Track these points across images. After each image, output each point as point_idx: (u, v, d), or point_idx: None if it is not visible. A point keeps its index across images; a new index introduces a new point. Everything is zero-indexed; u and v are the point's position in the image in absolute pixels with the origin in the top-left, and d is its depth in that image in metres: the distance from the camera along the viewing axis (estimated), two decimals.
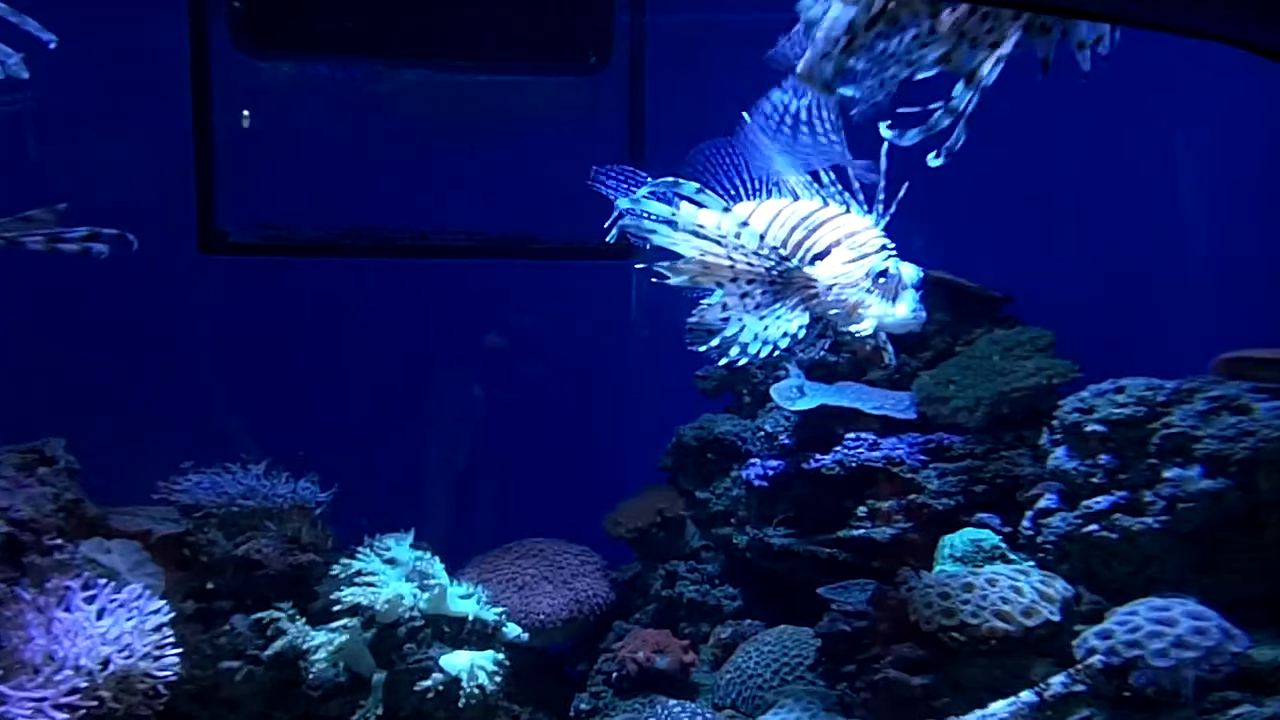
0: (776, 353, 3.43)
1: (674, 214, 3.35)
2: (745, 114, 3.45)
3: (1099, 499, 3.92)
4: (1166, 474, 3.80)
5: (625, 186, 3.62)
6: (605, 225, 3.49)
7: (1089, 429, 3.95)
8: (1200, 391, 3.92)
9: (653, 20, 4.68)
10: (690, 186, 3.25)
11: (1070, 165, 5.48)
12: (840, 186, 3.51)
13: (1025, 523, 4.16)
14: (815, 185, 3.54)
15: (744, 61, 3.55)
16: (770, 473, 4.61)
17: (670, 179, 3.26)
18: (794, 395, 4.63)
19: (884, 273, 3.34)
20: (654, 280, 3.37)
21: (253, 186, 4.99)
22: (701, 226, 3.33)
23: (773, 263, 3.38)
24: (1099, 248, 5.48)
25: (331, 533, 4.47)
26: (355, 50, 4.77)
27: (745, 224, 3.32)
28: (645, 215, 3.33)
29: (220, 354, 5.60)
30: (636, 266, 3.42)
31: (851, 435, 4.55)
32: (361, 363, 5.66)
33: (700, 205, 3.32)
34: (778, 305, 3.44)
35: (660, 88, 4.74)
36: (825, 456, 4.52)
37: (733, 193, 3.60)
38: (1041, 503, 4.11)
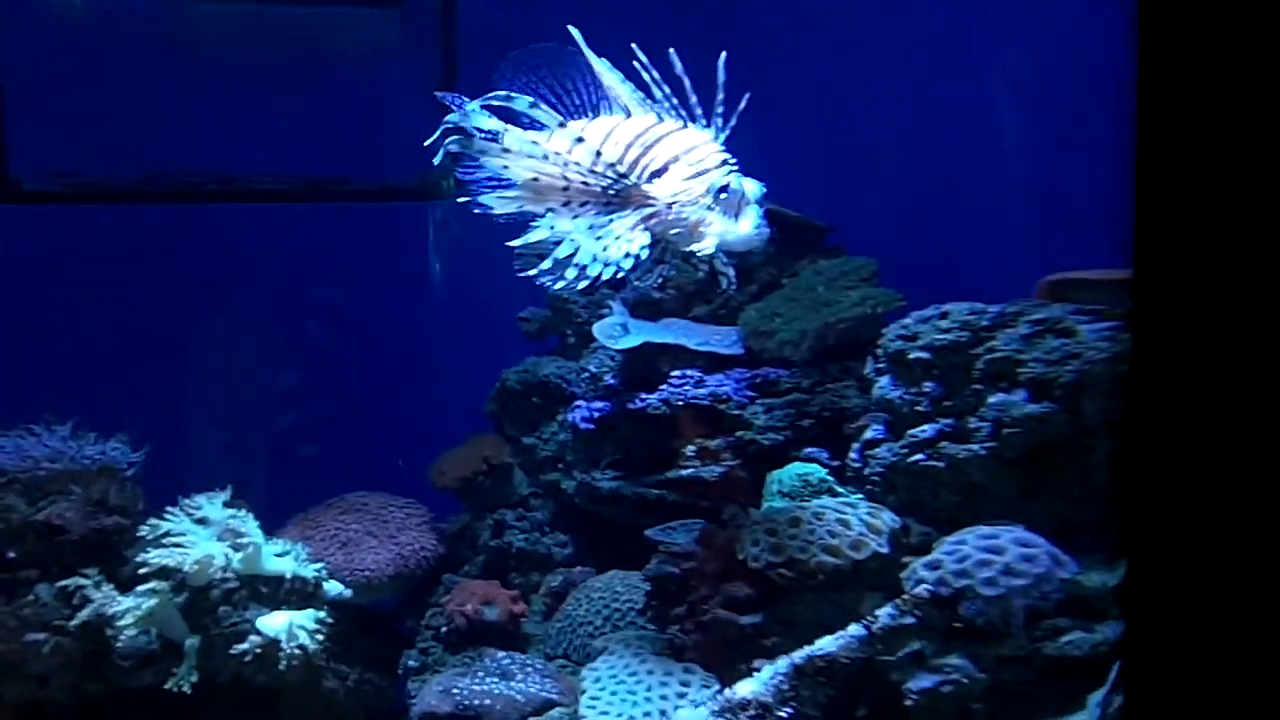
0: (620, 274, 3.23)
1: (504, 130, 3.12)
2: (573, 28, 3.24)
3: (924, 428, 3.76)
4: (991, 400, 3.65)
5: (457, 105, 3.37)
6: (427, 144, 3.18)
7: (912, 356, 3.79)
8: (1024, 315, 3.76)
9: None
10: (523, 101, 3.06)
11: (892, 92, 5.33)
12: (676, 101, 3.31)
13: (853, 455, 4.01)
14: (649, 101, 3.33)
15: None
16: (595, 415, 4.39)
17: (502, 92, 3.07)
18: (617, 333, 4.41)
19: (725, 188, 3.17)
20: (477, 211, 3.15)
21: (46, 130, 4.64)
22: (534, 145, 3.12)
23: (609, 180, 3.19)
24: (921, 175, 5.33)
25: (142, 494, 4.16)
26: None
27: (580, 140, 3.13)
28: (474, 133, 3.10)
29: (16, 312, 5.19)
30: (457, 201, 3.23)
31: (677, 373, 4.34)
32: (170, 316, 5.31)
33: (533, 121, 3.14)
34: (615, 224, 3.24)
35: (476, 19, 4.51)
36: (651, 396, 4.31)
37: (559, 109, 3.40)
38: (868, 434, 3.95)
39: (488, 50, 4.81)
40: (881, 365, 3.96)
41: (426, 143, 3.13)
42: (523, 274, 3.29)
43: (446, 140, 3.13)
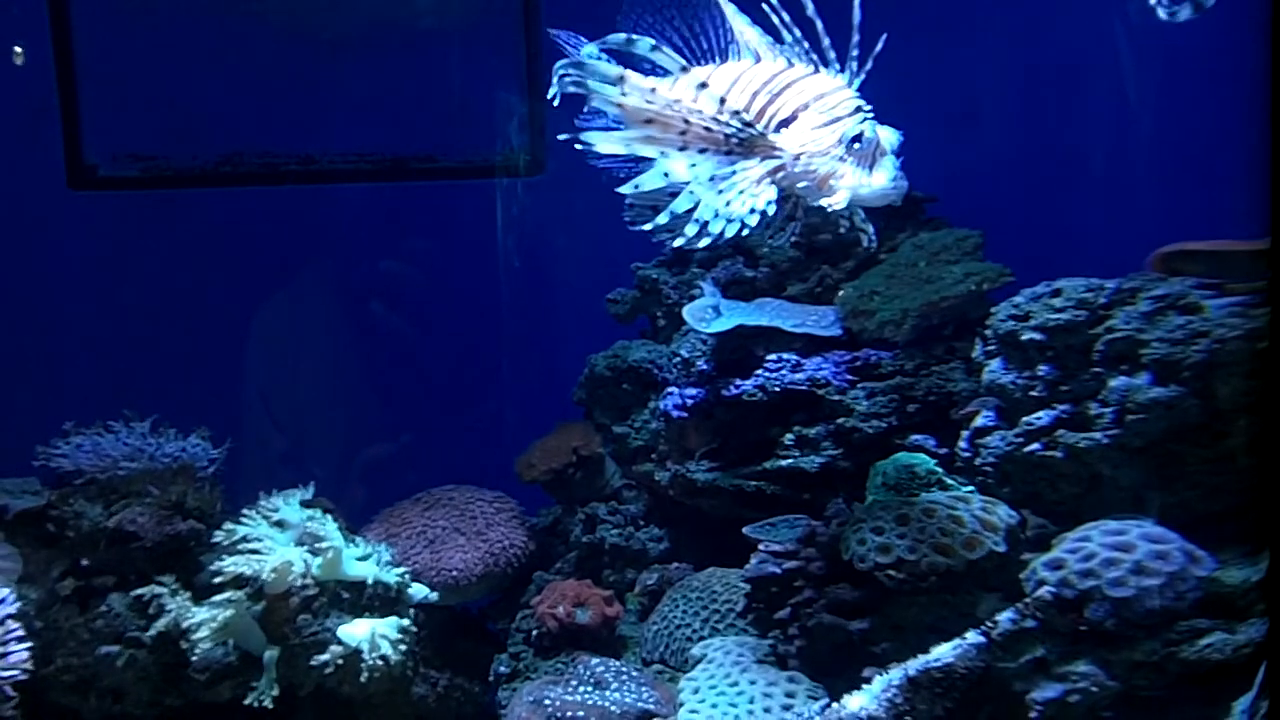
0: (745, 231, 2.91)
1: (622, 74, 2.82)
2: None
3: (1040, 414, 3.42)
4: (1113, 383, 3.30)
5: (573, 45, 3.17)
6: (551, 93, 2.89)
7: (1025, 337, 3.44)
8: (1143, 291, 3.39)
9: None
10: (644, 43, 2.77)
11: (998, 48, 4.95)
12: (807, 46, 2.99)
13: (962, 444, 3.66)
14: (779, 45, 3.02)
15: None
16: (689, 402, 4.08)
17: (623, 36, 2.78)
18: (709, 316, 4.10)
19: (858, 137, 2.87)
20: (578, 147, 2.85)
21: (122, 112, 4.43)
22: (653, 91, 2.83)
23: (733, 129, 2.89)
24: (1027, 139, 4.94)
25: (221, 494, 3.92)
26: None
27: (704, 86, 2.84)
28: (589, 77, 2.81)
29: (94, 302, 4.96)
30: (560, 138, 2.89)
31: (773, 357, 4.02)
32: (248, 303, 5.06)
33: (653, 66, 2.85)
34: (738, 176, 2.94)
35: None
36: (746, 381, 3.99)
37: (684, 54, 3.10)
38: (978, 421, 3.61)
39: (572, 17, 4.61)
40: (991, 347, 3.61)
41: (551, 93, 2.85)
42: (636, 227, 3.01)
43: (563, 80, 2.83)
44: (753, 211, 2.92)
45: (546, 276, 5.11)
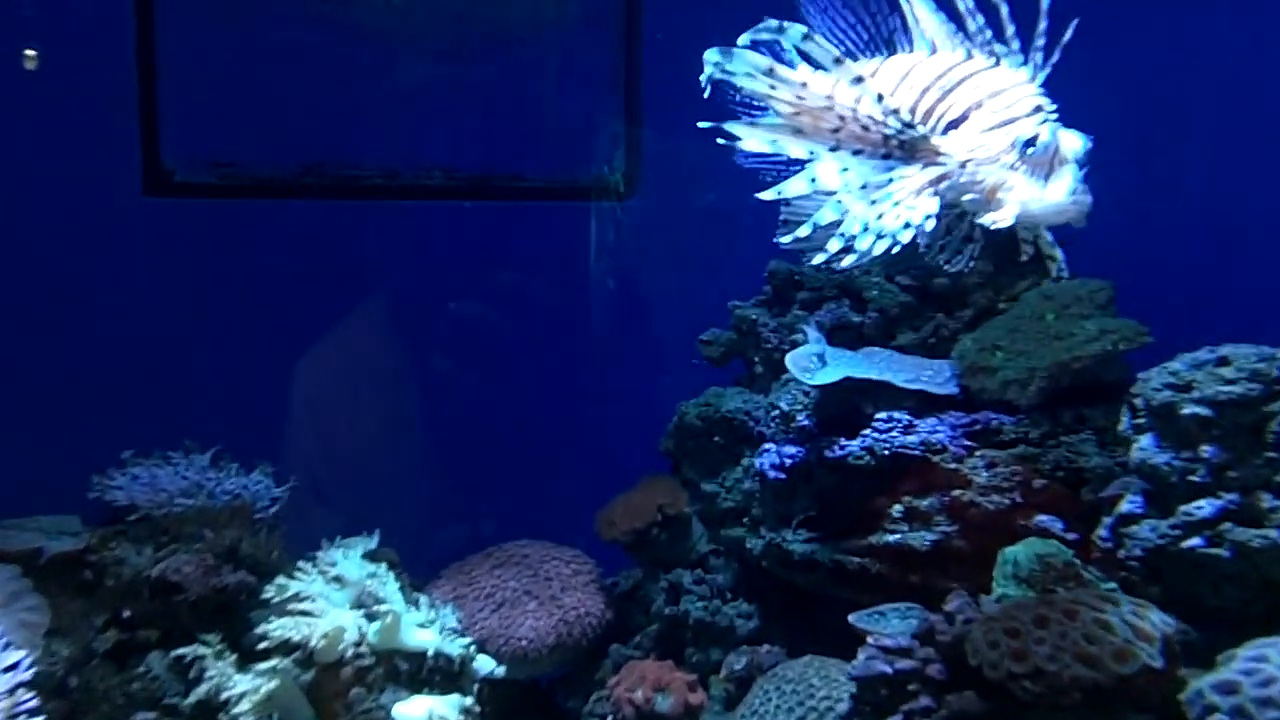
0: (897, 249, 2.45)
1: (771, 66, 2.38)
2: None
3: (1201, 503, 2.86)
4: None
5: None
6: (701, 82, 2.46)
7: (1187, 412, 2.88)
8: None
9: None
10: (796, 31, 2.33)
11: (1120, 83, 4.40)
12: (990, 34, 2.51)
13: (1102, 531, 3.11)
14: (960, 34, 2.56)
15: None
16: (788, 462, 3.56)
17: (774, 23, 2.34)
18: (813, 365, 3.58)
19: (1032, 141, 2.38)
20: (721, 141, 2.43)
21: (201, 116, 4.06)
22: (804, 86, 2.40)
23: (893, 129, 2.43)
24: (1164, 180, 4.37)
25: (281, 539, 3.46)
26: None
27: (860, 80, 2.38)
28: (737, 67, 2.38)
29: (165, 315, 4.52)
30: (700, 125, 2.44)
31: (883, 415, 3.50)
32: (324, 324, 4.61)
33: (806, 57, 2.45)
34: (895, 185, 2.48)
35: None
36: (852, 442, 3.48)
37: (848, 44, 2.70)
38: (1123, 506, 3.05)
39: (675, 31, 4.15)
40: (1141, 420, 3.05)
41: (703, 80, 2.41)
42: (785, 245, 2.55)
43: (712, 70, 2.39)
44: (908, 226, 2.44)
45: (637, 311, 4.62)
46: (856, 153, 2.47)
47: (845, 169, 2.46)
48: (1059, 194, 2.38)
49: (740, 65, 2.38)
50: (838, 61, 2.39)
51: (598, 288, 4.61)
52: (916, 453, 3.42)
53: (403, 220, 4.45)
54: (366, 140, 4.23)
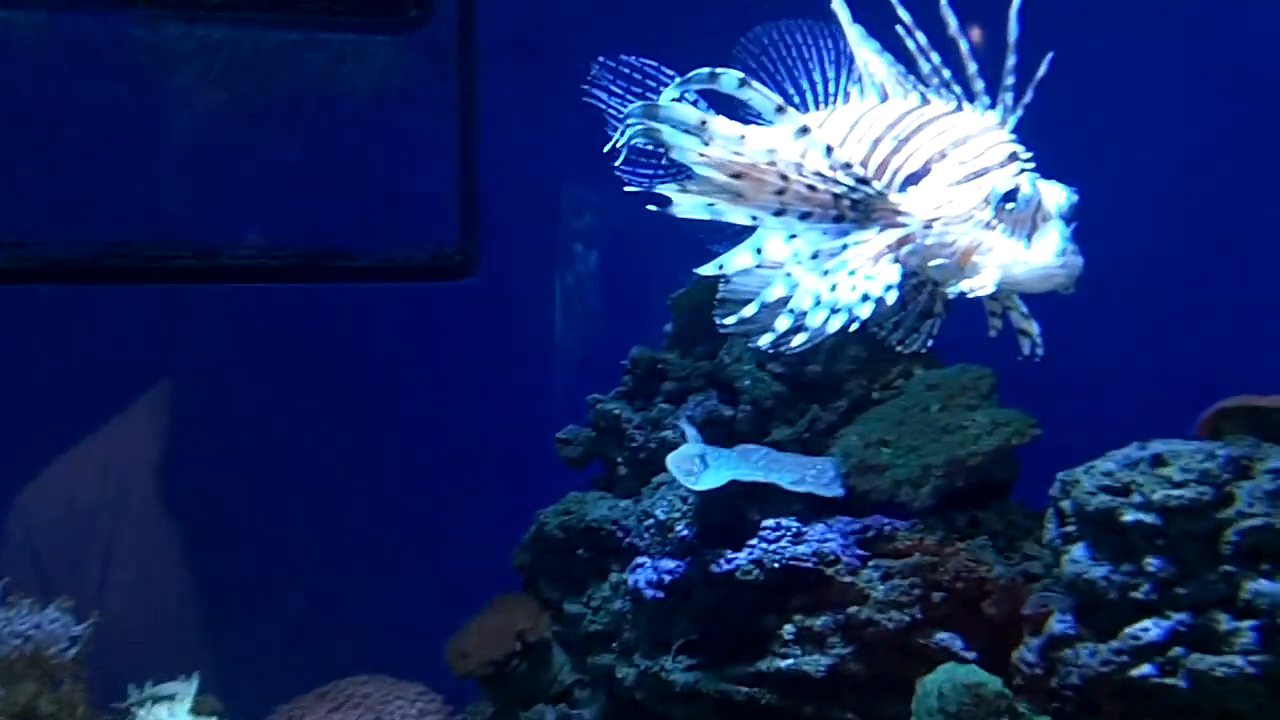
0: (855, 326, 2.11)
1: (704, 120, 2.02)
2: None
3: (1148, 624, 2.49)
4: (1251, 586, 2.41)
5: (636, 90, 2.33)
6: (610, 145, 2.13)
7: (1129, 519, 2.52)
8: (1257, 461, 2.55)
9: None
10: (731, 78, 1.99)
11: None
12: (948, 75, 2.19)
13: (1028, 655, 2.73)
14: (912, 77, 2.23)
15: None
16: (666, 578, 3.12)
17: (705, 71, 2.00)
18: (696, 469, 3.16)
19: (1012, 195, 2.06)
20: (652, 208, 2.09)
21: None
22: (742, 140, 2.03)
23: (845, 187, 2.08)
24: None
25: (84, 688, 2.90)
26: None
27: (805, 131, 2.03)
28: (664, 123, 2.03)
29: None
30: (628, 190, 2.16)
31: (770, 523, 3.10)
32: (131, 424, 4.03)
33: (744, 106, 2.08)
34: (850, 251, 2.13)
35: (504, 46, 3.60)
36: (739, 554, 3.06)
37: (795, 100, 2.37)
38: (1054, 626, 2.68)
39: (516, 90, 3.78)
40: (1071, 528, 2.69)
41: (609, 145, 2.10)
42: (721, 325, 2.22)
43: (631, 129, 2.04)
44: (866, 298, 2.10)
45: (481, 406, 4.14)
46: (804, 216, 2.11)
47: (793, 236, 2.11)
48: (1046, 255, 2.05)
49: (669, 119, 2.02)
50: (780, 110, 2.02)
51: (435, 379, 4.14)
52: (809, 564, 3.04)
53: (219, 306, 3.89)
54: (177, 216, 3.75)
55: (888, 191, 2.16)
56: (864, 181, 2.13)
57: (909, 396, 3.43)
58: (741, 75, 1.99)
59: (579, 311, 4.19)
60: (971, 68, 2.16)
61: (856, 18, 2.26)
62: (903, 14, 2.17)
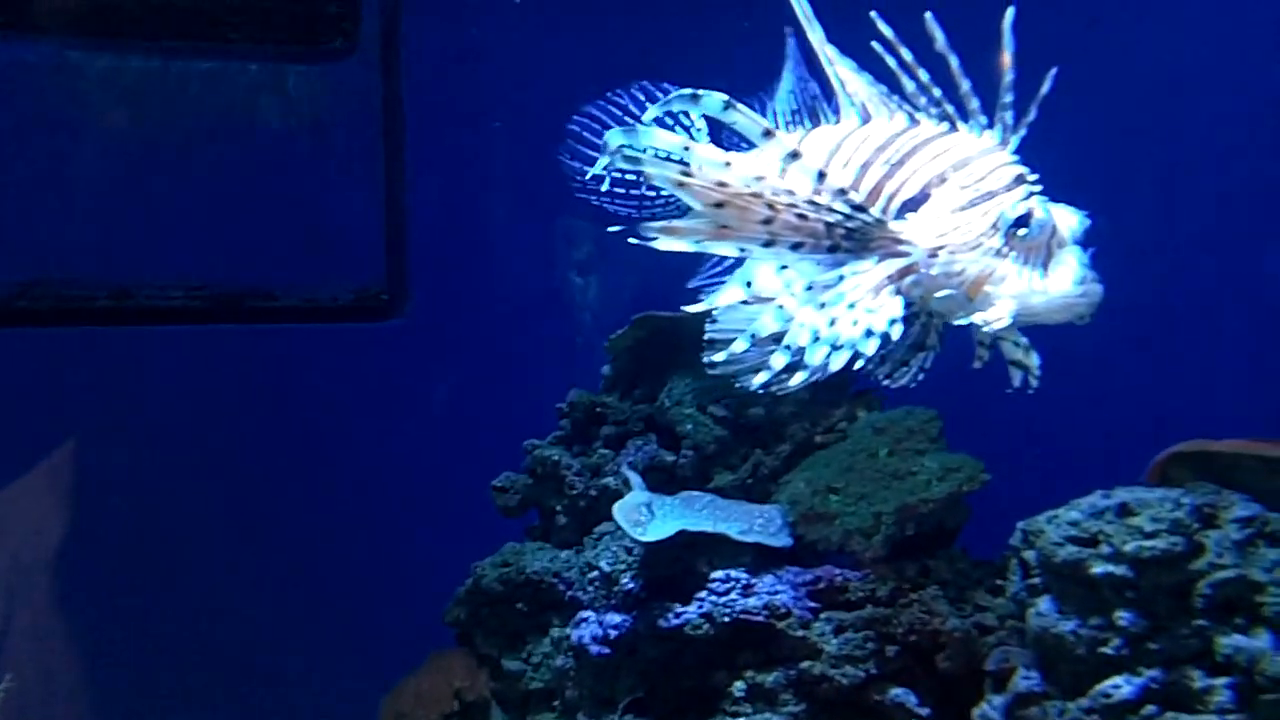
0: (860, 363, 2.03)
1: (687, 146, 1.96)
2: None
3: (1119, 681, 2.39)
4: (1225, 642, 2.32)
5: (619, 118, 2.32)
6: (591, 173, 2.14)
7: (1099, 571, 2.42)
8: (1222, 509, 2.48)
9: None
10: (715, 100, 1.91)
11: None
12: (938, 94, 2.11)
13: (991, 712, 2.62)
14: (896, 97, 2.16)
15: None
16: (612, 634, 3.00)
17: (687, 92, 1.89)
18: (644, 517, 3.04)
19: (1024, 221, 1.98)
20: (633, 241, 2.00)
21: None
22: (726, 166, 1.97)
23: (839, 215, 1.98)
24: None
25: None
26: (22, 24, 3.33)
27: (795, 156, 1.95)
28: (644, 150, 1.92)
29: None
30: (610, 230, 2.07)
31: (719, 575, 3.00)
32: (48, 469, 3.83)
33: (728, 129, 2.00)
34: (848, 283, 2.07)
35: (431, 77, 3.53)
36: (688, 608, 2.97)
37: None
38: (1019, 683, 2.57)
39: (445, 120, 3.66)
40: (1036, 580, 2.58)
41: (591, 172, 2.06)
42: (712, 367, 2.16)
43: (611, 156, 1.94)
44: (869, 334, 2.03)
45: (412, 451, 3.98)
46: (796, 246, 2.01)
47: (784, 266, 2.03)
48: (1065, 283, 1.99)
49: (650, 145, 1.92)
50: (767, 134, 1.92)
51: (362, 426, 3.99)
52: (760, 618, 2.96)
53: (137, 347, 3.69)
54: (90, 255, 3.61)
55: (885, 219, 2.07)
56: (860, 209, 2.03)
57: (854, 440, 3.35)
58: (726, 97, 1.91)
59: (513, 354, 4.06)
60: (964, 85, 2.08)
61: (831, 35, 2.18)
62: (884, 29, 2.10)
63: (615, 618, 3.01)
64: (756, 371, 2.09)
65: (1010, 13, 1.97)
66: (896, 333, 2.05)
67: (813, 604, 2.98)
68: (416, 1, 3.68)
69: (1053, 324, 2.07)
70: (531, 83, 3.85)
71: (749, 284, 2.06)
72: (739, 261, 2.11)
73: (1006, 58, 2.00)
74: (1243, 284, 3.82)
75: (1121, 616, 2.40)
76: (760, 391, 2.12)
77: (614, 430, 3.55)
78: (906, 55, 2.11)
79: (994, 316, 2.01)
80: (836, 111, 2.29)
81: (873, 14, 2.10)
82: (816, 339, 2.02)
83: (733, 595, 2.94)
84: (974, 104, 2.10)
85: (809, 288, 2.03)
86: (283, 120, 3.74)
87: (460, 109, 3.99)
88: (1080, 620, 2.46)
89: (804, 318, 2.02)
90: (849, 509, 3.11)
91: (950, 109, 2.13)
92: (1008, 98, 2.05)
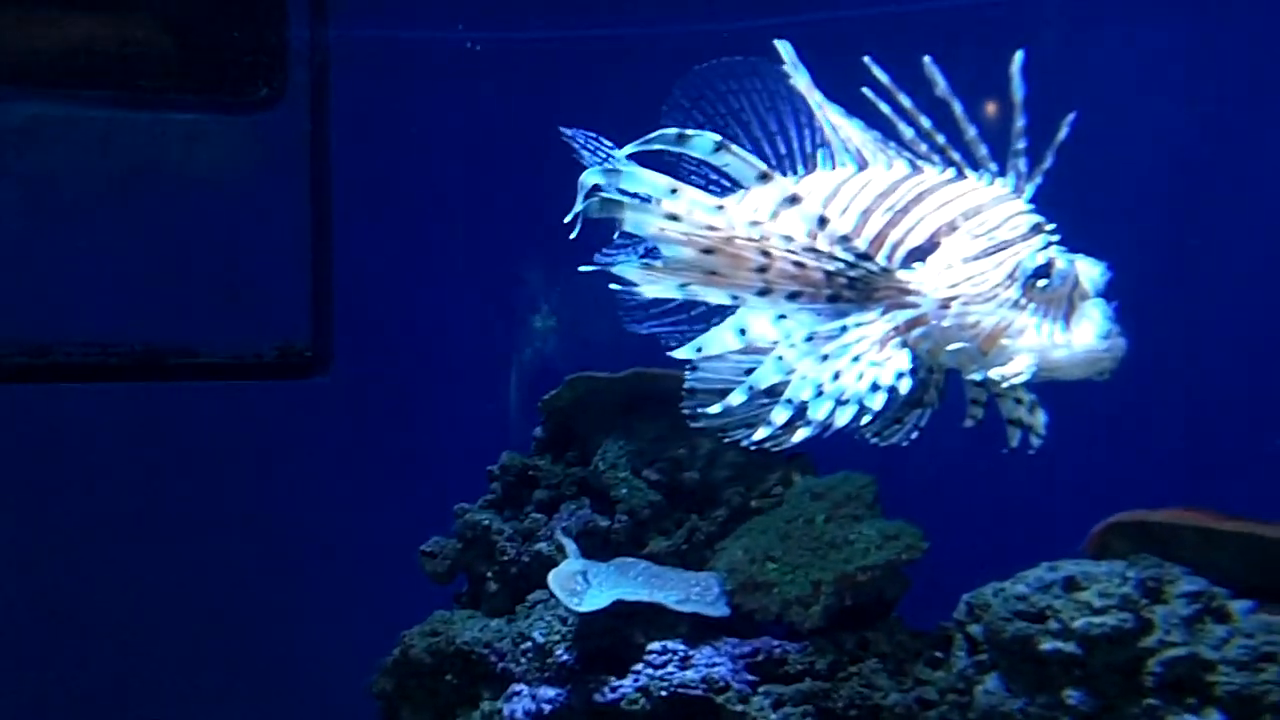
0: (866, 419, 1.94)
1: (675, 188, 1.89)
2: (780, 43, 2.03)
3: None
4: None
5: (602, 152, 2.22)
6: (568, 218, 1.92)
7: (1048, 648, 2.38)
8: (1167, 583, 2.46)
9: (347, 36, 3.41)
10: (705, 141, 1.83)
11: None
12: (941, 139, 2.04)
13: None
14: (892, 143, 2.10)
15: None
16: (546, 709, 2.90)
17: (672, 131, 1.80)
18: (579, 587, 2.96)
19: (1044, 271, 1.91)
20: (614, 287, 1.96)
21: None
22: (718, 210, 1.91)
23: (841, 264, 1.92)
24: None
25: None
26: None
27: (794, 201, 1.88)
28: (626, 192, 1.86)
29: None
30: (582, 269, 2.01)
31: (656, 646, 2.93)
32: None
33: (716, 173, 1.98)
34: (852, 334, 1.99)
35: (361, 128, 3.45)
36: (624, 681, 2.89)
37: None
38: None
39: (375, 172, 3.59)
40: (984, 656, 2.54)
41: (568, 216, 1.88)
42: (693, 420, 2.07)
43: (588, 198, 1.87)
44: (875, 388, 1.95)
45: (334, 517, 3.86)
46: (793, 296, 1.94)
47: (782, 316, 1.95)
48: (1089, 337, 1.91)
49: (633, 186, 1.85)
50: (764, 178, 1.86)
51: (284, 487, 3.86)
52: (698, 692, 2.87)
53: (54, 406, 3.56)
54: (8, 311, 3.51)
55: (892, 268, 2.00)
56: (864, 257, 1.97)
57: (791, 506, 3.30)
58: (718, 138, 1.83)
59: (443, 413, 3.96)
60: (970, 132, 2.01)
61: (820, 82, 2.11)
62: (879, 74, 2.03)
63: (549, 691, 2.92)
64: (748, 426, 2.03)
65: (1019, 57, 1.90)
66: (905, 387, 1.98)
67: (751, 677, 2.91)
68: (346, 51, 3.61)
69: (1071, 380, 2.00)
70: (465, 135, 3.78)
71: (743, 332, 1.97)
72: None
73: (1017, 103, 1.94)
74: (1174, 349, 3.83)
75: (1070, 695, 2.36)
76: (747, 444, 2.05)
77: (547, 494, 3.45)
78: (905, 101, 2.05)
79: (1012, 371, 1.95)
80: (831, 157, 2.24)
81: (866, 59, 2.03)
82: (820, 393, 1.95)
83: (670, 668, 2.87)
84: (982, 151, 2.04)
85: (809, 338, 1.96)
86: (206, 171, 3.66)
87: (391, 162, 3.92)
88: (1028, 699, 2.42)
89: (805, 370, 1.95)
90: (787, 578, 3.04)
91: (956, 156, 2.07)
92: (1020, 144, 1.99)
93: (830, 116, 2.13)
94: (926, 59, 1.97)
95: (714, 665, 2.90)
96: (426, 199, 3.99)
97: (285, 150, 3.63)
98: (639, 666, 2.89)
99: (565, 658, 2.95)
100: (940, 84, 1.98)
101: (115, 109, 3.51)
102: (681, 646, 2.92)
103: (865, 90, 2.05)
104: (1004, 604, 2.49)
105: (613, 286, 1.94)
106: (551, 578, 3.00)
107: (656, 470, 3.42)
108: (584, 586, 2.94)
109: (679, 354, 2.00)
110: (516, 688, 2.98)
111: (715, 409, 2.01)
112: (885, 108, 2.05)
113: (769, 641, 2.98)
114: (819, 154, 2.25)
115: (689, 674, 2.86)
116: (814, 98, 2.10)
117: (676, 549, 3.34)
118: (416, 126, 3.96)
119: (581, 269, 2.00)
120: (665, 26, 3.76)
